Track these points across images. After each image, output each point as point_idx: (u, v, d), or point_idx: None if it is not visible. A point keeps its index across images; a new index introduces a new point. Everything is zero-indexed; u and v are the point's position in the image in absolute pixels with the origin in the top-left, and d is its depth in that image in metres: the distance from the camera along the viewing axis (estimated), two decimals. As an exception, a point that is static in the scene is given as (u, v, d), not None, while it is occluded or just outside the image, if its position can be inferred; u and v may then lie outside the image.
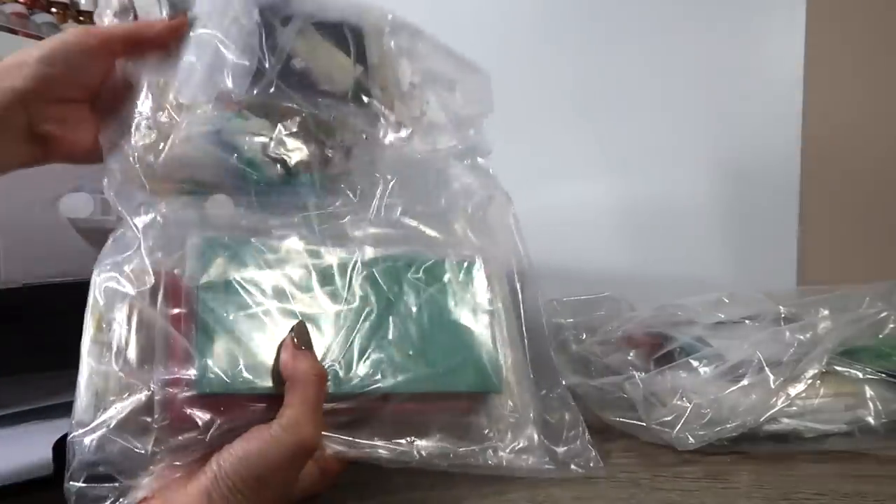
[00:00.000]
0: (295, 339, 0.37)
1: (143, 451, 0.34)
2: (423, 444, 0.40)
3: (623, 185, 0.91)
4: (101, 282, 0.37)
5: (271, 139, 0.42)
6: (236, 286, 0.38)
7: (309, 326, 0.39)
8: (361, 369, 0.39)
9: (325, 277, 0.41)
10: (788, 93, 0.85)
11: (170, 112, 0.40)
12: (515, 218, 0.50)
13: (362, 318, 0.41)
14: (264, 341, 0.37)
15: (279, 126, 0.43)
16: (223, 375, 0.35)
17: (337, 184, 0.44)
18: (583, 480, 0.44)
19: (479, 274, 0.46)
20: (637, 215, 0.91)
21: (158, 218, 0.38)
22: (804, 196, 0.85)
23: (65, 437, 0.35)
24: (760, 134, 0.86)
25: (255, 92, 0.41)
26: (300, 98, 0.43)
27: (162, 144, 0.40)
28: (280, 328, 0.38)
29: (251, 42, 0.42)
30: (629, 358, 0.58)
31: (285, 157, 0.42)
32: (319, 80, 0.45)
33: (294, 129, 0.43)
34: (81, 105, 0.42)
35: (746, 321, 0.57)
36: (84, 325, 0.36)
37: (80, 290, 0.38)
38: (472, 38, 0.53)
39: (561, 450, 0.45)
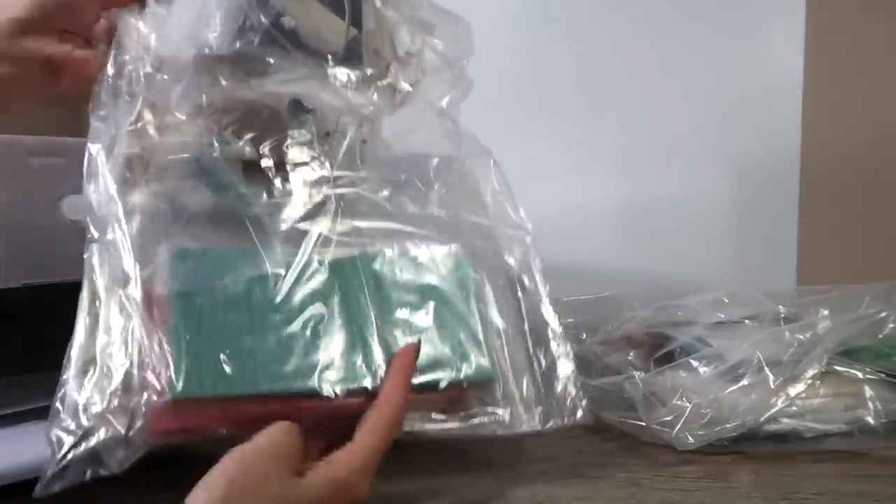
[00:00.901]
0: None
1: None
2: (417, 422, 0.40)
3: (623, 185, 0.91)
4: (92, 269, 0.37)
5: (253, 161, 0.43)
6: (208, 294, 0.38)
7: (286, 330, 0.38)
8: (347, 371, 0.39)
9: (300, 280, 0.40)
10: (788, 93, 0.85)
11: (152, 124, 0.41)
12: (501, 178, 0.50)
13: (342, 318, 0.40)
14: (236, 347, 0.37)
15: (261, 147, 0.43)
16: (196, 381, 0.35)
17: (319, 184, 0.44)
18: (583, 480, 0.44)
19: (461, 259, 0.46)
20: (637, 215, 0.91)
21: (138, 217, 0.39)
22: (804, 196, 0.85)
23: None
24: (760, 134, 0.86)
25: (237, 45, 0.42)
26: (285, 55, 0.44)
27: (144, 166, 0.40)
28: (253, 334, 0.38)
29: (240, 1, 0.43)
30: (629, 358, 0.58)
31: (269, 174, 0.43)
32: (309, 41, 0.45)
33: (275, 144, 0.43)
34: (80, 38, 0.44)
35: (746, 321, 0.57)
36: (79, 301, 0.37)
37: (80, 291, 0.38)
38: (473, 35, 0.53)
39: (550, 407, 0.45)
